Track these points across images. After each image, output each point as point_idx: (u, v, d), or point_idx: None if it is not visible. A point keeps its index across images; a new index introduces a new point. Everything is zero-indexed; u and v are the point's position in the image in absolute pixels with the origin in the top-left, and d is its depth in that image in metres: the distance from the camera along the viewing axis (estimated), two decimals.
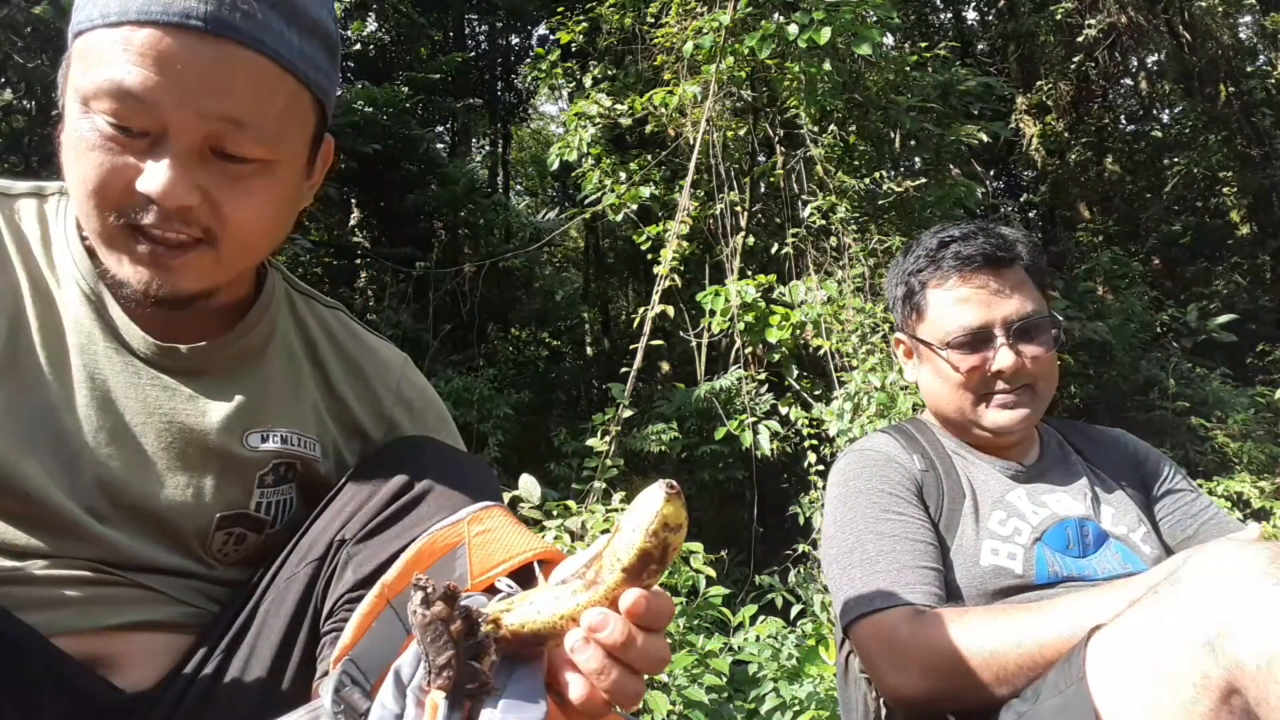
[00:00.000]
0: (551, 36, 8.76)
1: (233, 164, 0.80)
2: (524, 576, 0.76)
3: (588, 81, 6.57)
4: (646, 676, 0.66)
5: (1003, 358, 1.33)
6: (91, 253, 0.87)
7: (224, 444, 0.90)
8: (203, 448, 0.90)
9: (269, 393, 0.95)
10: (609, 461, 4.40)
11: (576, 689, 0.63)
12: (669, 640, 2.60)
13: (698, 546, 2.98)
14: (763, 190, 6.59)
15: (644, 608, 0.62)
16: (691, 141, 5.43)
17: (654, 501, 0.62)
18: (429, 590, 0.61)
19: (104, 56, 0.75)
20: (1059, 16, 9.50)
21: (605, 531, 1.71)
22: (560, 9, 6.91)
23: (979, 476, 1.38)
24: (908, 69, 5.70)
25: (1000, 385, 1.36)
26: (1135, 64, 11.22)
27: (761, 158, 7.00)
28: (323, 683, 0.73)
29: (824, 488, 1.73)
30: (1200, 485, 4.05)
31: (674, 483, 0.62)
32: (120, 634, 0.85)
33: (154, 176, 0.77)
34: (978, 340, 1.36)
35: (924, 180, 5.75)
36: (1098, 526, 1.32)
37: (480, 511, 0.81)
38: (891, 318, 1.56)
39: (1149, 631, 0.91)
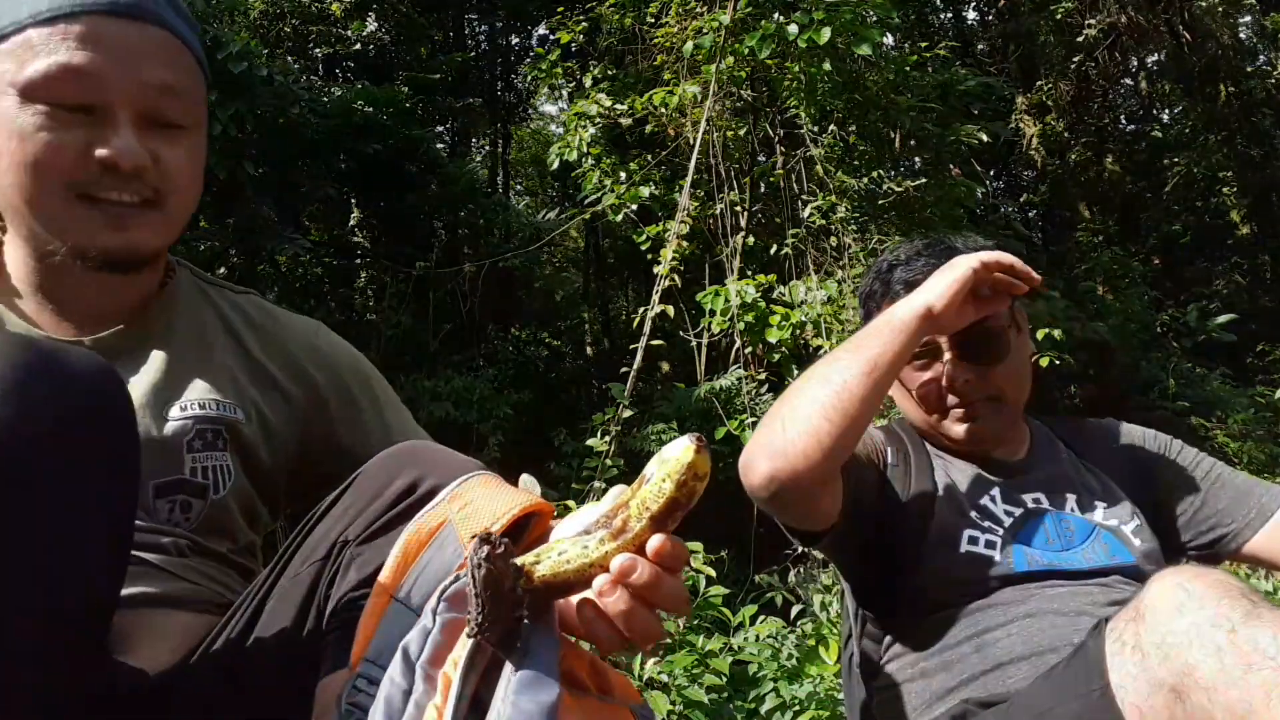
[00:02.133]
0: (551, 36, 8.76)
1: (169, 130, 0.92)
2: (514, 534, 0.78)
3: (588, 81, 6.57)
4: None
5: (950, 373, 1.33)
6: None
7: (146, 418, 0.95)
8: None
9: (181, 369, 1.01)
10: (609, 461, 4.40)
11: (599, 630, 0.67)
12: (668, 640, 2.61)
13: (698, 546, 2.97)
14: (763, 190, 6.59)
15: (669, 550, 0.66)
16: (691, 141, 5.44)
17: (683, 454, 0.65)
18: (495, 545, 0.63)
19: (44, 48, 0.85)
20: (1059, 16, 9.50)
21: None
22: (560, 9, 6.90)
23: (957, 477, 1.37)
24: (908, 69, 5.70)
25: (956, 400, 1.35)
26: (1135, 64, 11.23)
27: (761, 158, 7.00)
28: (328, 682, 0.74)
29: None
30: None
31: (701, 436, 0.66)
32: (131, 610, 0.87)
33: (111, 143, 0.87)
34: (925, 354, 1.35)
35: (924, 180, 5.75)
36: (1081, 519, 1.31)
37: (459, 488, 0.82)
38: None
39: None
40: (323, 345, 1.14)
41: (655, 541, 0.66)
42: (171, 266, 1.08)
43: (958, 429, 1.36)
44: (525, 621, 0.66)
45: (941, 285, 1.20)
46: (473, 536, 0.64)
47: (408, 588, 0.74)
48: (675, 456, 0.66)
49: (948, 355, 1.34)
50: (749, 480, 1.19)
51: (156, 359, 1.00)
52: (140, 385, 0.97)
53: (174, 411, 0.98)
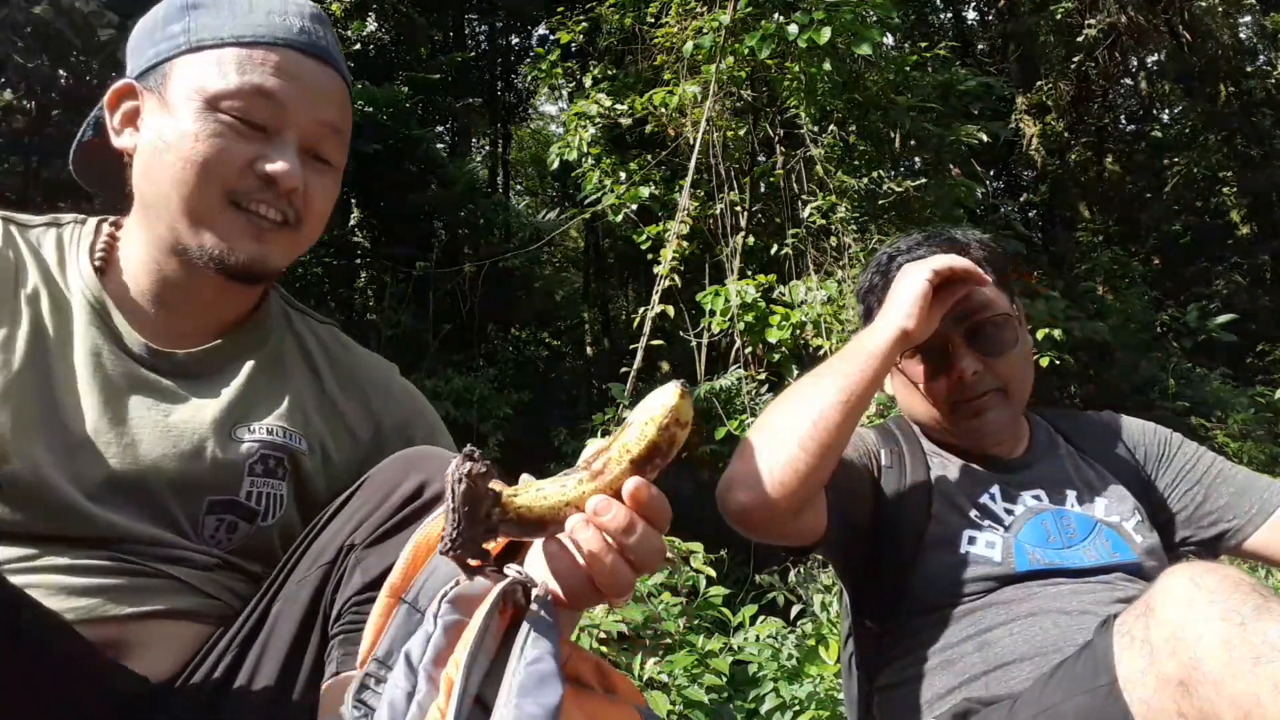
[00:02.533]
0: (551, 36, 8.76)
1: (320, 164, 1.01)
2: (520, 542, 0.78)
3: (588, 81, 6.57)
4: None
5: (960, 363, 1.32)
6: (99, 270, 0.99)
7: (215, 435, 0.98)
8: (196, 438, 0.97)
9: (257, 392, 1.03)
10: None
11: (564, 568, 0.67)
12: (669, 640, 2.61)
13: (698, 546, 2.97)
14: (763, 190, 6.58)
15: (646, 494, 0.66)
16: (691, 141, 5.44)
17: (667, 398, 0.66)
18: (476, 463, 0.64)
19: (242, 67, 0.94)
20: (1059, 16, 9.50)
21: None
22: (560, 9, 6.90)
23: (955, 475, 1.36)
24: (908, 69, 5.70)
25: (965, 393, 1.33)
26: (1135, 64, 11.23)
27: (761, 158, 7.01)
28: (332, 684, 0.74)
29: None
30: None
31: (685, 382, 0.67)
32: (142, 622, 0.88)
33: (277, 162, 0.95)
34: (932, 347, 1.33)
35: (924, 180, 5.75)
36: (1082, 516, 1.30)
37: None
38: None
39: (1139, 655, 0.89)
40: (395, 390, 1.15)
41: (632, 484, 0.65)
42: (266, 291, 1.11)
43: (966, 423, 1.34)
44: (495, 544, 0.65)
45: (907, 305, 1.21)
46: (460, 453, 0.64)
47: (416, 590, 0.75)
48: (660, 401, 0.66)
49: (956, 348, 1.33)
50: (726, 510, 1.19)
51: (238, 378, 1.02)
52: (218, 402, 0.99)
53: (243, 433, 0.99)
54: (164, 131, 0.94)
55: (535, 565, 0.79)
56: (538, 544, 0.77)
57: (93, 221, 1.04)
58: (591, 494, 0.66)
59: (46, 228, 1.02)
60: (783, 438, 1.16)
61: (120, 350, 0.96)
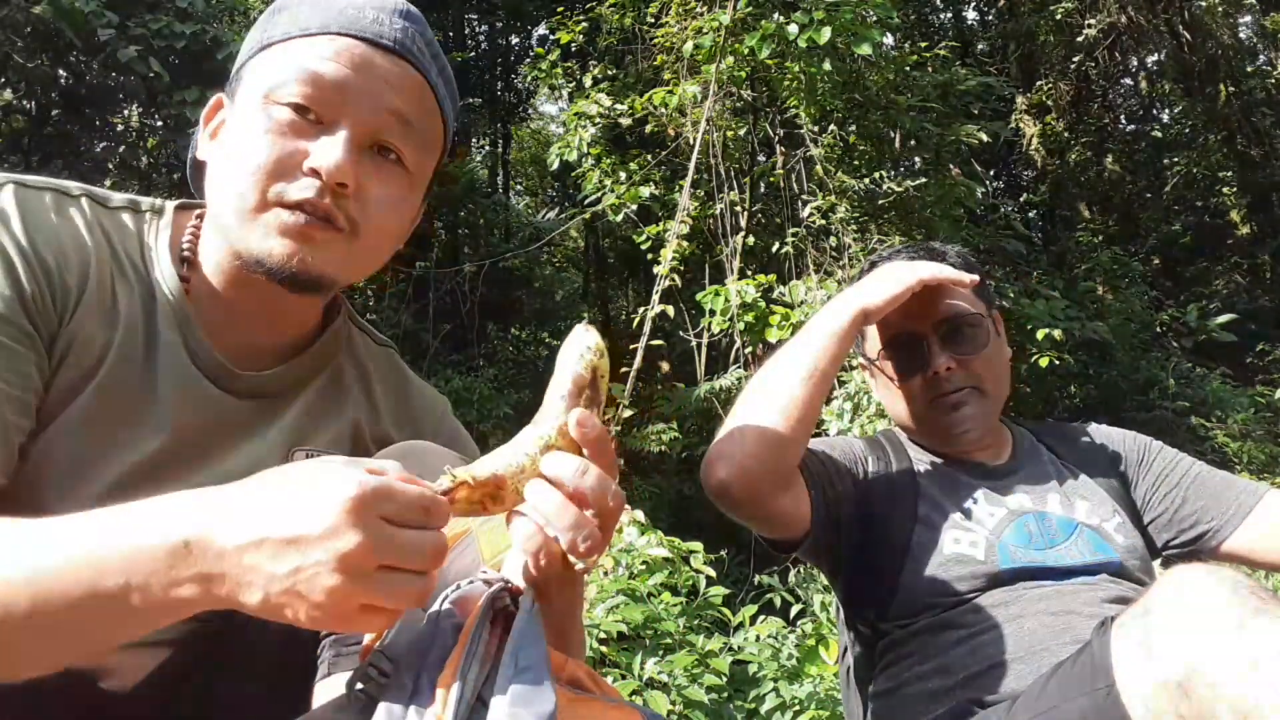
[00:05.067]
0: (551, 36, 8.76)
1: (387, 165, 0.91)
2: None
3: (588, 81, 6.57)
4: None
5: (934, 361, 1.38)
6: (183, 279, 0.92)
7: (273, 459, 0.93)
8: (253, 465, 0.91)
9: (316, 419, 1.00)
10: None
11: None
12: (669, 639, 2.61)
13: (698, 546, 2.97)
14: (763, 190, 6.59)
15: (588, 420, 0.72)
16: (691, 141, 5.44)
17: (576, 337, 0.74)
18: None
19: (299, 55, 0.87)
20: (1059, 16, 9.50)
21: None
22: (560, 9, 6.91)
23: (941, 481, 1.40)
24: (908, 69, 5.70)
25: (941, 388, 1.38)
26: (1135, 64, 11.23)
27: (761, 158, 7.01)
28: (323, 685, 0.73)
29: None
30: None
31: (588, 323, 0.75)
32: (125, 650, 0.83)
33: (324, 153, 0.85)
34: (909, 347, 1.40)
35: (924, 180, 5.76)
36: (1064, 518, 1.34)
37: None
38: None
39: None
40: (445, 428, 1.12)
41: (576, 413, 0.72)
42: (337, 307, 1.06)
43: (944, 418, 1.39)
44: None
45: (882, 291, 1.30)
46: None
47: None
48: (571, 343, 0.74)
49: (931, 344, 1.38)
50: (708, 484, 1.24)
51: (300, 402, 0.98)
52: (277, 427, 0.96)
53: (299, 456, 0.95)
54: (228, 135, 0.89)
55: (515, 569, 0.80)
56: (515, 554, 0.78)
57: (169, 211, 0.96)
58: (536, 439, 0.71)
59: (126, 211, 0.94)
60: (755, 414, 1.24)
61: (197, 366, 0.91)
